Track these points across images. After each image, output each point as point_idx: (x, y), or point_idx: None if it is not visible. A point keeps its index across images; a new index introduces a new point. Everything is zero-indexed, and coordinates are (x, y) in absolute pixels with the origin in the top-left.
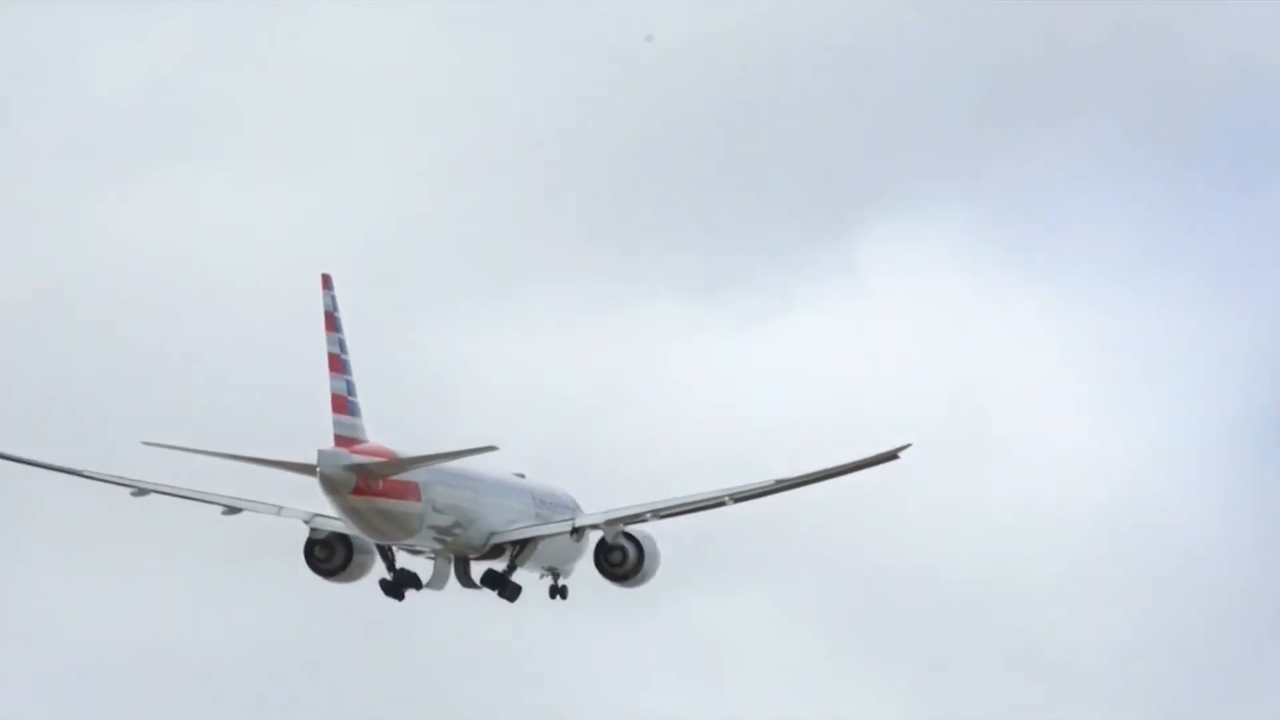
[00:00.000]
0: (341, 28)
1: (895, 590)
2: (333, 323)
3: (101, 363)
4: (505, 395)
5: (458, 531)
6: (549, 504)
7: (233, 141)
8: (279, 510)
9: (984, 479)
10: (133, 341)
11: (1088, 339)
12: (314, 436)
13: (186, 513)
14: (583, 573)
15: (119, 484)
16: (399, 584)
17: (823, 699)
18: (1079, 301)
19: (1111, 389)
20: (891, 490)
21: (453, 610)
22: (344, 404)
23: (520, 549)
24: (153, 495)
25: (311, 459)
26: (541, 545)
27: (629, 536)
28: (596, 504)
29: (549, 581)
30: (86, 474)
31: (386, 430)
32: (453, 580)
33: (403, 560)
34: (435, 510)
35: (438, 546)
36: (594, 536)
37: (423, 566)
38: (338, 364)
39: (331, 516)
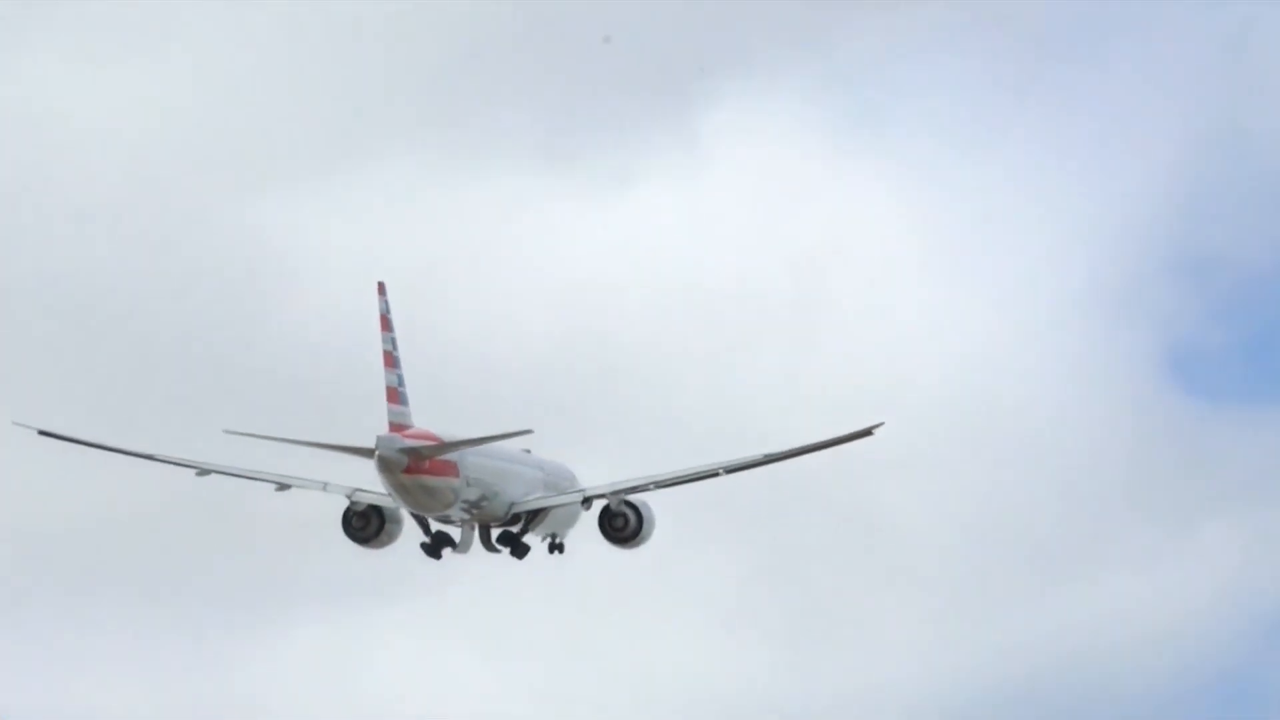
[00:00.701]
0: None
1: (736, 453)
2: (386, 324)
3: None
4: (347, 272)
5: (484, 504)
6: (553, 477)
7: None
8: (324, 486)
9: (825, 350)
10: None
11: (929, 211)
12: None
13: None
14: (584, 535)
15: (187, 466)
16: (437, 545)
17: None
18: (920, 174)
19: (952, 261)
20: (731, 361)
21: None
22: (396, 395)
23: (533, 516)
24: (214, 475)
25: (369, 444)
26: (551, 512)
27: (629, 504)
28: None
29: (549, 541)
30: (159, 458)
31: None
32: (476, 544)
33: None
34: (468, 485)
35: (466, 517)
36: (597, 505)
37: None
38: (390, 360)
39: (369, 491)
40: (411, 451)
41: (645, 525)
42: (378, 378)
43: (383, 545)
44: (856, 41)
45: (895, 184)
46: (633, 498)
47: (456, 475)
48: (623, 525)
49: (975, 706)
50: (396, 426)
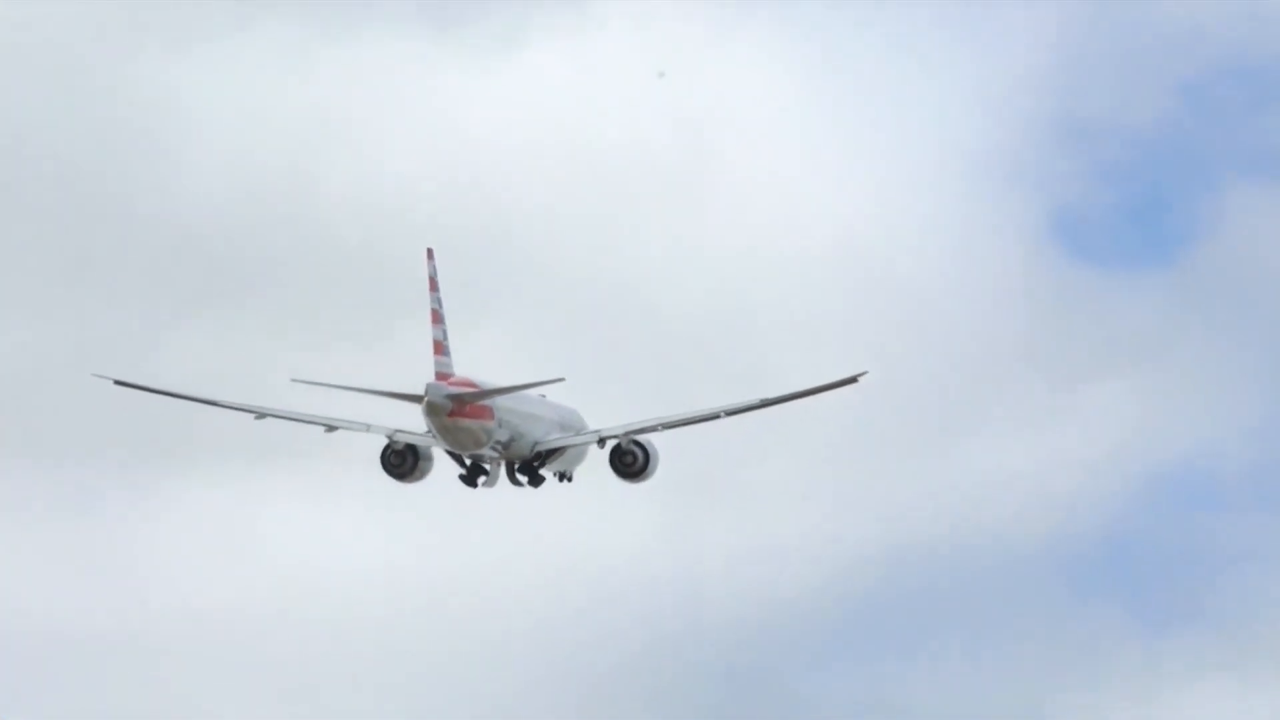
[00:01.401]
0: None
1: (622, 316)
2: (434, 285)
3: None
4: (235, 132)
5: (513, 444)
6: (566, 419)
7: None
8: (368, 428)
9: (713, 213)
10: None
11: (817, 75)
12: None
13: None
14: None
15: (245, 410)
16: (473, 475)
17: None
18: (808, 38)
19: (840, 124)
20: (621, 223)
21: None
22: (441, 348)
23: (550, 454)
24: (269, 419)
25: (419, 390)
26: (566, 450)
27: (638, 443)
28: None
29: (560, 474)
30: (222, 403)
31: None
32: (502, 477)
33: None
34: (500, 427)
35: (495, 454)
36: (609, 444)
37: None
38: (437, 317)
39: (406, 432)
40: (455, 398)
41: (651, 462)
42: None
43: (416, 480)
44: None
45: (784, 48)
46: (640, 437)
47: (491, 418)
48: (631, 461)
49: (864, 567)
50: (441, 375)
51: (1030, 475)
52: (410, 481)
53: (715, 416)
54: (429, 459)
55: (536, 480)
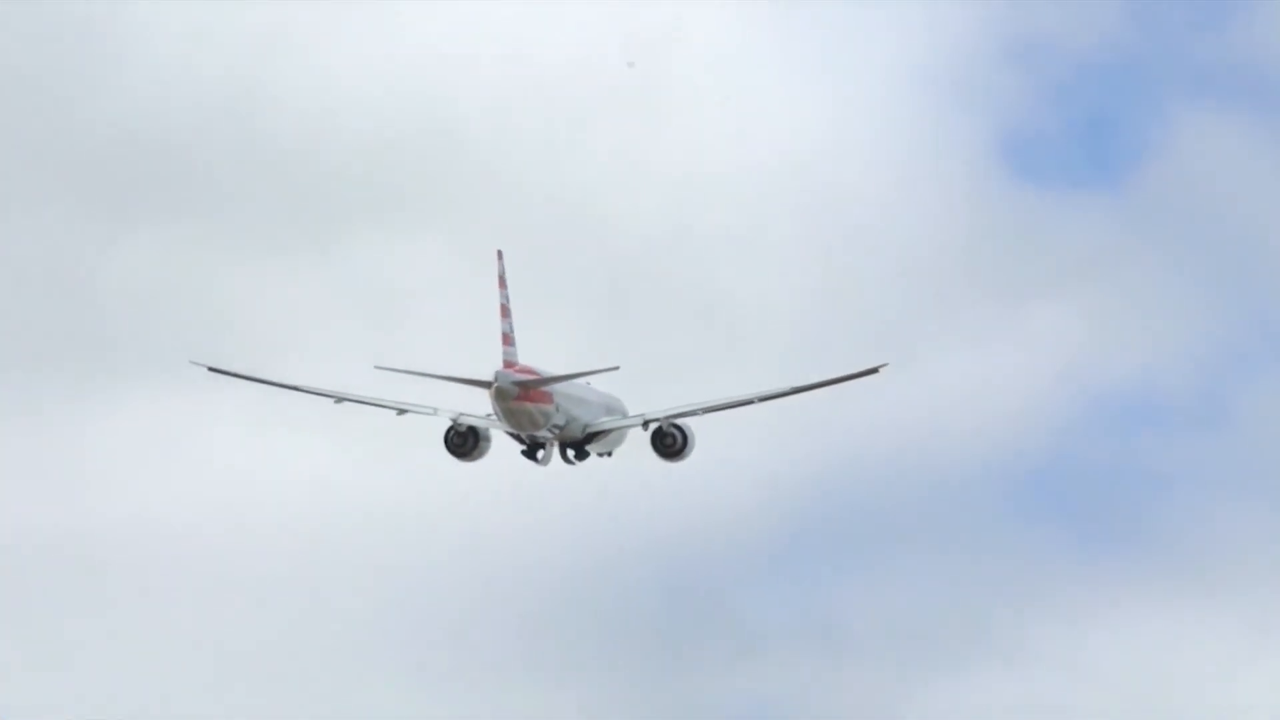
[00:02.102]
0: None
1: (568, 231)
2: (503, 283)
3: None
4: (182, 40)
5: (568, 426)
6: (611, 404)
7: None
8: (435, 411)
9: (663, 132)
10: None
11: None
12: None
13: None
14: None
15: (325, 395)
16: (532, 450)
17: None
18: None
19: (789, 44)
20: (574, 141)
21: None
22: (508, 339)
23: (597, 434)
24: (346, 403)
25: (488, 377)
26: (611, 432)
27: (677, 426)
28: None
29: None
30: (304, 389)
31: None
32: (555, 456)
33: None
34: (557, 411)
35: (550, 435)
36: (651, 426)
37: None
38: (505, 311)
39: (469, 415)
40: (521, 384)
41: (689, 443)
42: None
43: (475, 459)
44: None
45: None
46: (679, 420)
47: (550, 403)
48: (671, 443)
49: (806, 485)
50: (507, 364)
51: (975, 394)
52: (470, 460)
53: (748, 402)
54: (488, 440)
55: (582, 456)
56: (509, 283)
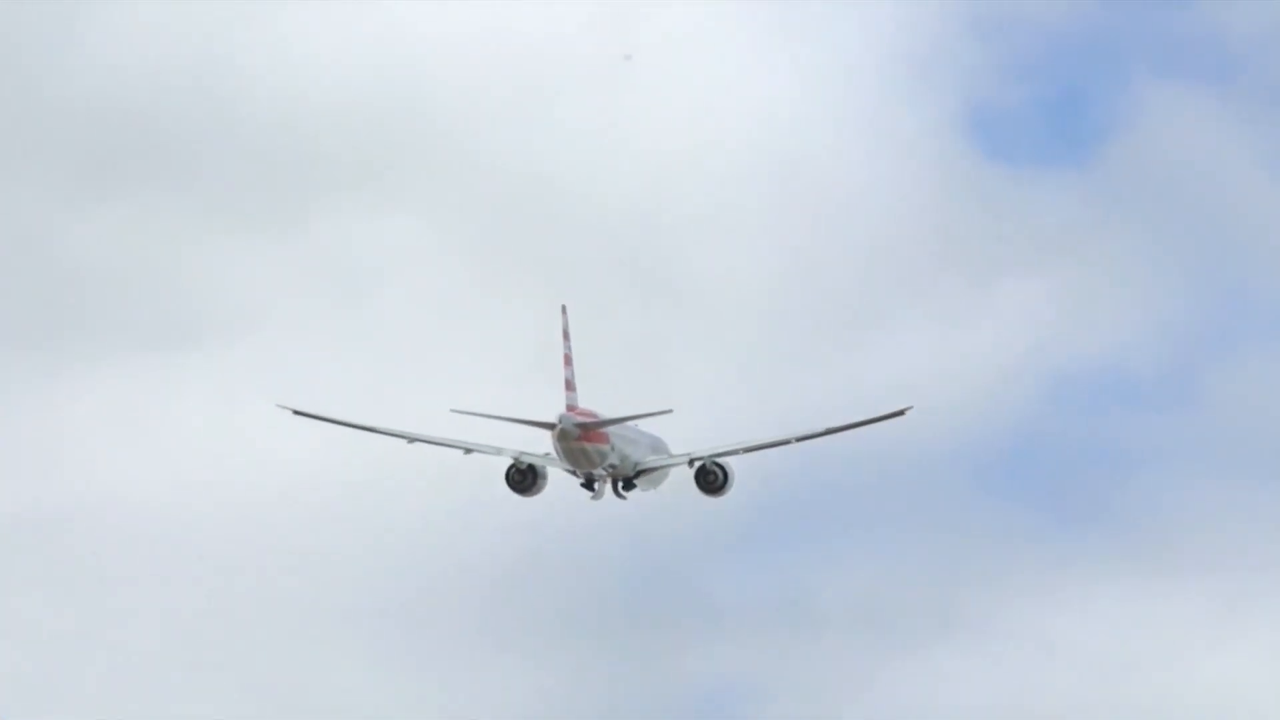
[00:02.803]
0: None
1: (537, 207)
2: (566, 335)
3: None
4: (147, 11)
5: (621, 464)
6: (657, 444)
7: None
8: (499, 451)
9: (630, 108)
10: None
11: None
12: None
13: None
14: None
15: (399, 436)
16: (589, 483)
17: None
18: None
19: (755, 20)
20: (536, 116)
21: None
22: (570, 385)
23: (645, 472)
24: (419, 443)
25: (553, 419)
26: (658, 470)
27: (719, 464)
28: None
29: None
30: (379, 430)
31: None
32: (608, 491)
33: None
34: (613, 451)
35: (604, 473)
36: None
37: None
38: (568, 360)
39: (529, 454)
40: (582, 426)
41: (729, 479)
42: None
43: (534, 494)
44: None
45: None
46: (721, 460)
47: (607, 443)
48: (714, 480)
49: (774, 462)
50: (569, 407)
51: (944, 372)
52: (529, 495)
53: (786, 443)
54: (545, 476)
55: (629, 488)
56: (571, 334)
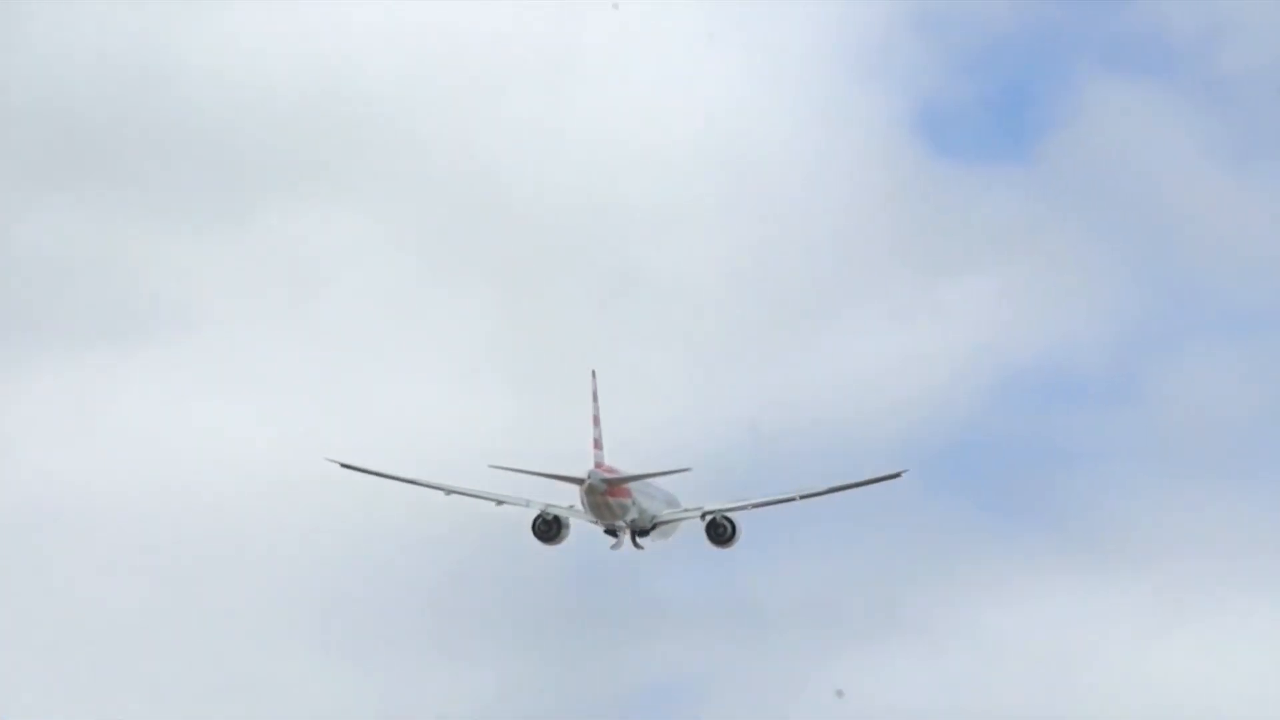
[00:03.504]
0: None
1: (481, 203)
2: (595, 398)
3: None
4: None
5: (639, 517)
6: (670, 499)
7: None
8: (528, 503)
9: (576, 102)
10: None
11: None
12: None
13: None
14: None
15: (439, 488)
16: (611, 532)
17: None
18: None
19: (704, 16)
20: (484, 111)
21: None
22: (598, 443)
23: (660, 524)
24: (455, 495)
25: (582, 475)
26: (672, 523)
27: (727, 518)
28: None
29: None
30: (420, 482)
31: None
32: (626, 541)
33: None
34: (633, 505)
35: (624, 525)
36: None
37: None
38: (596, 420)
39: (555, 506)
40: (607, 482)
41: (737, 532)
42: None
43: (558, 543)
44: None
45: None
46: (730, 514)
47: (629, 497)
48: (723, 532)
49: (725, 458)
50: (597, 465)
51: (892, 370)
52: (553, 544)
53: (791, 499)
54: (569, 527)
55: (644, 534)
56: (599, 398)
